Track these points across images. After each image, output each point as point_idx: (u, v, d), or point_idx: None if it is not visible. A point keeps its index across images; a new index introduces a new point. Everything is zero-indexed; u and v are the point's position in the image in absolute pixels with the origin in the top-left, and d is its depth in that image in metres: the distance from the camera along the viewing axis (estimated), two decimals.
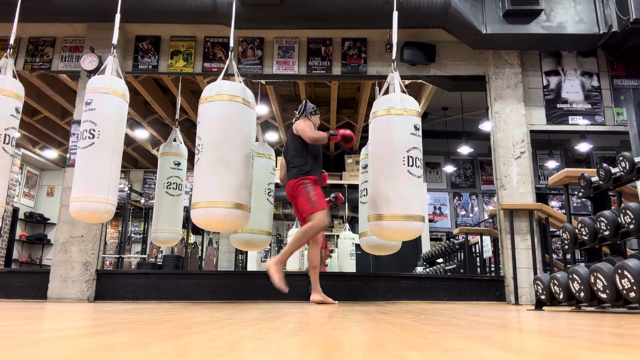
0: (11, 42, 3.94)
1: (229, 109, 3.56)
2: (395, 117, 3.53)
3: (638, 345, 0.98)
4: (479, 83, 5.11)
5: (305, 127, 3.71)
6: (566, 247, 3.30)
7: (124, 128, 3.91)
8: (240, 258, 9.28)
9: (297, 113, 3.98)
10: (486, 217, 9.29)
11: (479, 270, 6.75)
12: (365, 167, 4.80)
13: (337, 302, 3.81)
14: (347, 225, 8.65)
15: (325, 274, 4.96)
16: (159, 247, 8.59)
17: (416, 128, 3.54)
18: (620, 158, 2.91)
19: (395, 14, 3.74)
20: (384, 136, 3.57)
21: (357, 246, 7.78)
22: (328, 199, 5.11)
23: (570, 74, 4.98)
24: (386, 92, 3.78)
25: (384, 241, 4.40)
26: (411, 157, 3.45)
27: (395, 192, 3.46)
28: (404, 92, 3.67)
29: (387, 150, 3.53)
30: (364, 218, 4.64)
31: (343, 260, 8.05)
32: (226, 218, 3.41)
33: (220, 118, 3.54)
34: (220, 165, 3.45)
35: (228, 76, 3.83)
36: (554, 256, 5.16)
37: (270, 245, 9.17)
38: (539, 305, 3.02)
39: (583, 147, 8.96)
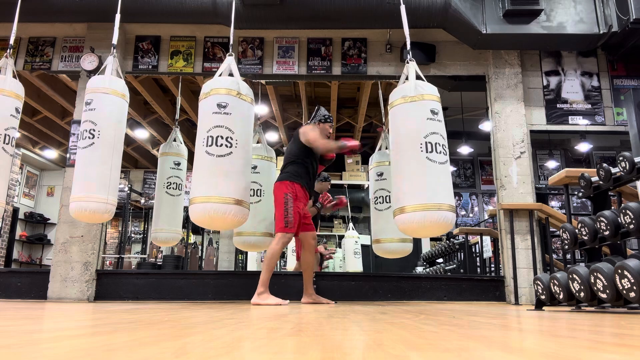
0: (11, 42, 3.94)
1: (251, 112, 3.69)
2: (409, 105, 3.37)
3: (638, 345, 0.98)
4: (479, 83, 5.11)
5: (316, 136, 3.61)
6: (566, 247, 3.30)
7: (124, 128, 3.91)
8: (240, 258, 9.28)
9: (308, 120, 3.92)
10: (486, 217, 9.29)
11: (479, 270, 6.75)
12: (381, 174, 4.76)
13: (334, 302, 3.81)
14: (350, 224, 8.67)
15: (325, 274, 4.96)
16: (159, 247, 8.59)
17: (433, 112, 3.34)
18: (620, 158, 2.91)
19: (402, 7, 3.70)
20: (401, 125, 3.39)
21: (361, 245, 7.80)
22: (316, 205, 5.08)
23: (570, 74, 4.98)
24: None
25: (396, 246, 4.42)
26: (430, 142, 3.22)
27: (415, 181, 3.20)
28: (421, 79, 3.51)
29: (404, 139, 3.33)
30: (377, 225, 4.64)
31: (348, 260, 8.07)
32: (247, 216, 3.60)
33: (249, 120, 3.64)
34: (249, 165, 3.65)
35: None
36: (554, 256, 5.16)
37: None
38: (539, 305, 3.02)
39: (583, 147, 8.96)
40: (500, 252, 4.73)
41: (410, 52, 3.61)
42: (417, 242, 8.97)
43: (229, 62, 3.71)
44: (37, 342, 0.98)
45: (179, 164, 5.07)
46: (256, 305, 3.21)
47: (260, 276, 3.48)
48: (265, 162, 4.50)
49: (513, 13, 4.49)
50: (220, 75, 3.64)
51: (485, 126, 7.54)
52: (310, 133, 3.65)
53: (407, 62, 3.57)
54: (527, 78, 4.95)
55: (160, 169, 5.06)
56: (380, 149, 4.84)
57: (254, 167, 4.22)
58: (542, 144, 9.64)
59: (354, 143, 3.66)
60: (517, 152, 4.68)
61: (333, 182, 9.23)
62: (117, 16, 3.92)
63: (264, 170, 4.45)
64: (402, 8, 3.69)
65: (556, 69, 5.00)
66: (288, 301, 3.52)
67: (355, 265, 7.82)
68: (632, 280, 2.13)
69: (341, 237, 8.91)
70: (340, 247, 9.61)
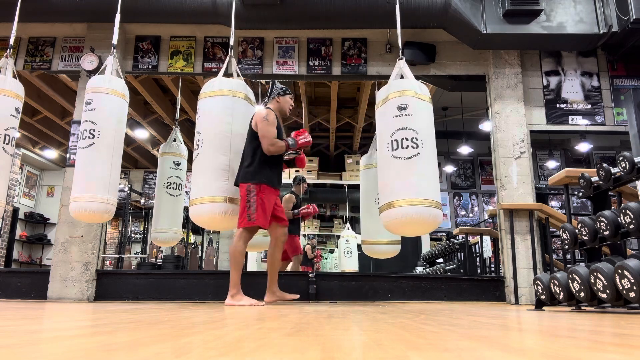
0: (11, 42, 3.94)
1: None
2: (381, 108, 3.52)
3: (638, 345, 0.98)
4: (479, 83, 5.11)
5: (266, 132, 3.28)
6: (566, 247, 3.30)
7: (124, 128, 3.91)
8: None
9: (266, 99, 3.64)
10: (486, 217, 9.29)
11: (479, 270, 6.74)
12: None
13: (298, 295, 3.72)
14: (347, 224, 8.69)
15: (325, 274, 4.95)
16: (159, 247, 8.59)
17: (400, 109, 3.37)
18: (620, 158, 2.91)
19: (397, 8, 3.73)
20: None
21: (359, 245, 7.81)
22: (292, 211, 5.13)
23: (570, 74, 4.98)
24: None
25: (381, 247, 4.48)
26: (396, 140, 3.32)
27: (382, 183, 3.44)
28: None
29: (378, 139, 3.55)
30: (365, 225, 4.73)
31: (343, 259, 8.09)
32: None
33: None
34: None
35: (228, 75, 3.82)
36: (554, 256, 5.16)
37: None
38: (539, 305, 3.02)
39: (583, 147, 8.96)
40: (500, 252, 4.73)
41: (402, 52, 3.69)
42: (417, 242, 8.96)
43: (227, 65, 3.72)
44: (37, 342, 0.98)
45: (179, 164, 5.07)
46: (230, 306, 3.10)
47: (229, 278, 3.29)
48: None
49: (513, 13, 4.49)
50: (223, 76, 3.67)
51: (485, 126, 7.54)
52: (260, 124, 3.31)
53: (399, 60, 3.67)
54: (527, 78, 4.94)
55: (160, 169, 5.06)
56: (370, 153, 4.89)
57: None
58: (542, 144, 9.64)
59: (305, 139, 3.40)
60: (517, 152, 4.68)
61: (333, 182, 9.26)
62: (117, 16, 3.92)
63: None
64: (397, 10, 3.70)
65: (556, 69, 4.99)
66: (264, 302, 3.41)
67: (348, 264, 7.86)
68: (632, 280, 2.13)
69: (339, 237, 8.94)
70: (337, 247, 9.63)
